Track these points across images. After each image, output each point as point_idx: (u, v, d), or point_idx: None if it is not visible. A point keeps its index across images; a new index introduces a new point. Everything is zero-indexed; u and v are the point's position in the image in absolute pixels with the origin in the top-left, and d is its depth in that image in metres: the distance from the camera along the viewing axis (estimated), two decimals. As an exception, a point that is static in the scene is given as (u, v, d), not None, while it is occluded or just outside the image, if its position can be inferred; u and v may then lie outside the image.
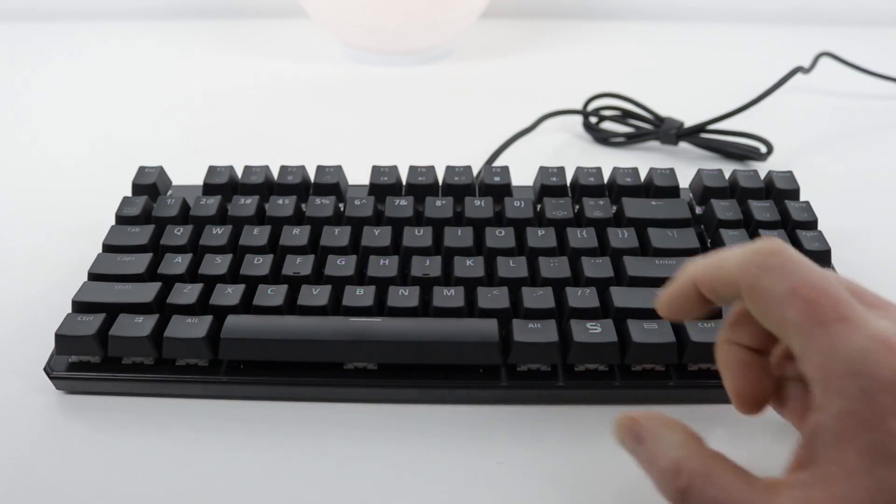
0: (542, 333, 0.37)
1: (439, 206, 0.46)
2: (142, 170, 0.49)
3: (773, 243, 0.28)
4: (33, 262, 0.48)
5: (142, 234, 0.44)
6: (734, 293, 0.28)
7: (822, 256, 0.43)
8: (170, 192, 0.50)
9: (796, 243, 0.43)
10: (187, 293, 0.40)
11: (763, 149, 0.57)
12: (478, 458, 0.35)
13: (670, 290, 0.32)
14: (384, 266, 0.41)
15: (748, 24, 0.84)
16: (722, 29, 0.83)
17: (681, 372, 0.38)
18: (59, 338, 0.38)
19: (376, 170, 0.49)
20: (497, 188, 0.47)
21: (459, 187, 0.47)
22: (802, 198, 0.47)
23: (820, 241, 0.43)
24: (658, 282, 0.40)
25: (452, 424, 0.37)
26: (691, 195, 0.49)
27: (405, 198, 0.46)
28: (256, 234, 0.43)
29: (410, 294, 0.39)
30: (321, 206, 0.46)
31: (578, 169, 0.49)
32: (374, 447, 0.36)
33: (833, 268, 0.44)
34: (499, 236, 0.43)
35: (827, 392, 0.26)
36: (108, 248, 0.43)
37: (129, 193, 0.48)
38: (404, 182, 0.49)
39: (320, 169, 0.49)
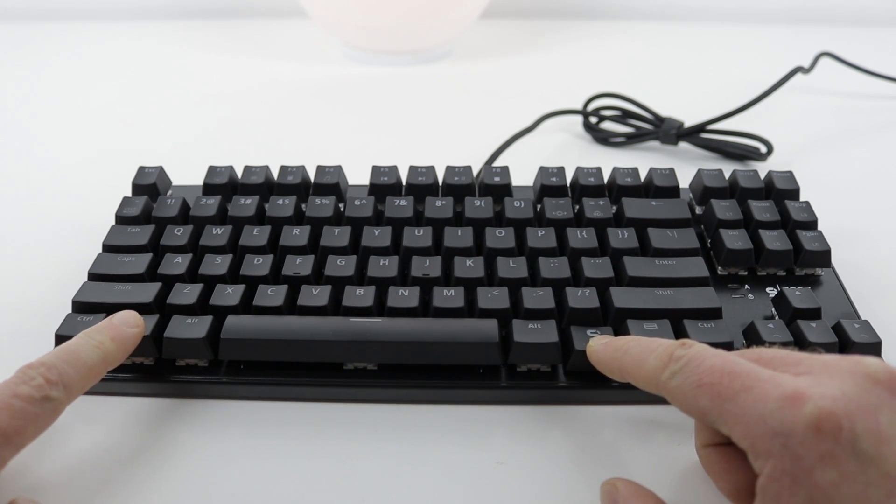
0: (542, 334, 0.37)
1: (439, 206, 0.46)
2: (142, 170, 0.49)
3: (683, 349, 0.30)
4: (34, 263, 0.48)
5: (142, 234, 0.44)
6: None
7: (822, 256, 0.43)
8: (170, 193, 0.50)
9: (796, 243, 0.43)
10: (187, 293, 0.40)
11: (763, 149, 0.57)
12: (478, 458, 0.35)
13: (600, 358, 0.35)
14: (384, 266, 0.41)
15: (748, 24, 0.84)
16: (722, 29, 0.83)
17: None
18: (60, 338, 0.38)
19: (376, 170, 0.49)
20: (497, 188, 0.47)
21: (459, 187, 0.47)
22: (802, 198, 0.47)
23: (820, 241, 0.43)
24: (658, 282, 0.40)
25: (452, 424, 0.37)
26: (691, 195, 0.49)
27: (405, 198, 0.46)
28: (256, 235, 0.43)
29: (410, 294, 0.39)
30: (321, 206, 0.46)
31: (578, 169, 0.49)
32: (374, 447, 0.36)
33: (833, 268, 0.44)
34: (499, 236, 0.43)
35: (758, 457, 0.27)
36: (108, 248, 0.43)
37: (129, 193, 0.48)
38: (404, 182, 0.49)
39: (320, 169, 0.49)
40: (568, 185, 0.48)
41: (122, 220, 0.45)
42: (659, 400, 0.37)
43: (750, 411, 0.27)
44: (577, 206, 0.46)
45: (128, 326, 0.36)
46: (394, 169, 0.49)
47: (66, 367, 0.33)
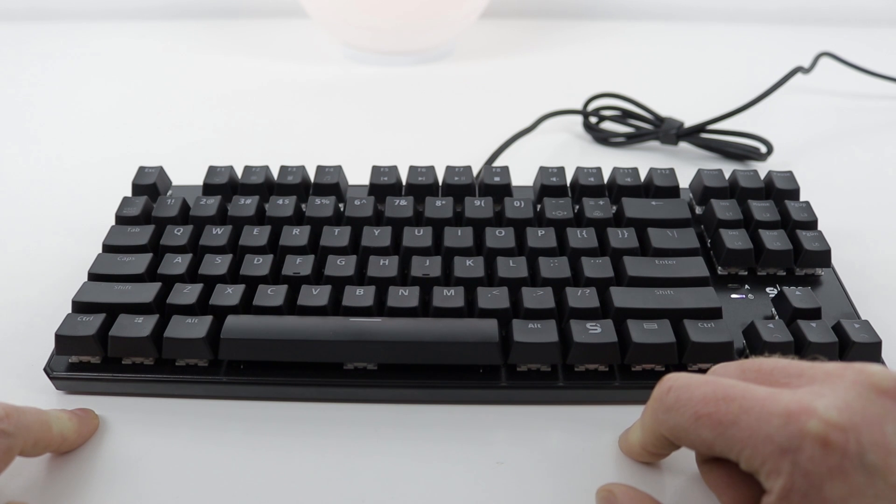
0: (542, 333, 0.37)
1: (439, 206, 0.46)
2: (142, 170, 0.49)
3: (662, 383, 0.30)
4: (34, 263, 0.48)
5: (142, 234, 0.44)
6: (671, 441, 0.31)
7: (822, 256, 0.43)
8: (170, 193, 0.50)
9: (796, 243, 0.43)
10: (187, 293, 0.40)
11: (763, 149, 0.57)
12: (478, 458, 0.36)
13: (635, 455, 0.35)
14: (384, 266, 0.41)
15: (748, 24, 0.84)
16: (722, 29, 0.83)
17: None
18: (59, 338, 0.38)
19: (376, 170, 0.49)
20: (497, 188, 0.47)
21: (459, 187, 0.47)
22: (802, 198, 0.47)
23: (820, 241, 0.43)
24: (658, 282, 0.40)
25: (452, 424, 0.37)
26: (691, 195, 0.49)
27: (405, 198, 0.46)
28: (256, 235, 0.43)
29: (410, 294, 0.39)
30: (321, 206, 0.46)
31: (578, 169, 0.49)
32: (374, 447, 0.36)
33: (833, 268, 0.44)
34: (499, 236, 0.43)
35: (769, 477, 0.27)
36: (108, 248, 0.43)
37: (129, 193, 0.48)
38: (404, 182, 0.49)
39: (320, 169, 0.49)
40: (568, 185, 0.48)
41: (122, 220, 0.45)
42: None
43: (755, 433, 0.26)
44: (577, 206, 0.46)
45: (89, 417, 0.37)
46: (394, 169, 0.49)
47: (21, 411, 0.33)
